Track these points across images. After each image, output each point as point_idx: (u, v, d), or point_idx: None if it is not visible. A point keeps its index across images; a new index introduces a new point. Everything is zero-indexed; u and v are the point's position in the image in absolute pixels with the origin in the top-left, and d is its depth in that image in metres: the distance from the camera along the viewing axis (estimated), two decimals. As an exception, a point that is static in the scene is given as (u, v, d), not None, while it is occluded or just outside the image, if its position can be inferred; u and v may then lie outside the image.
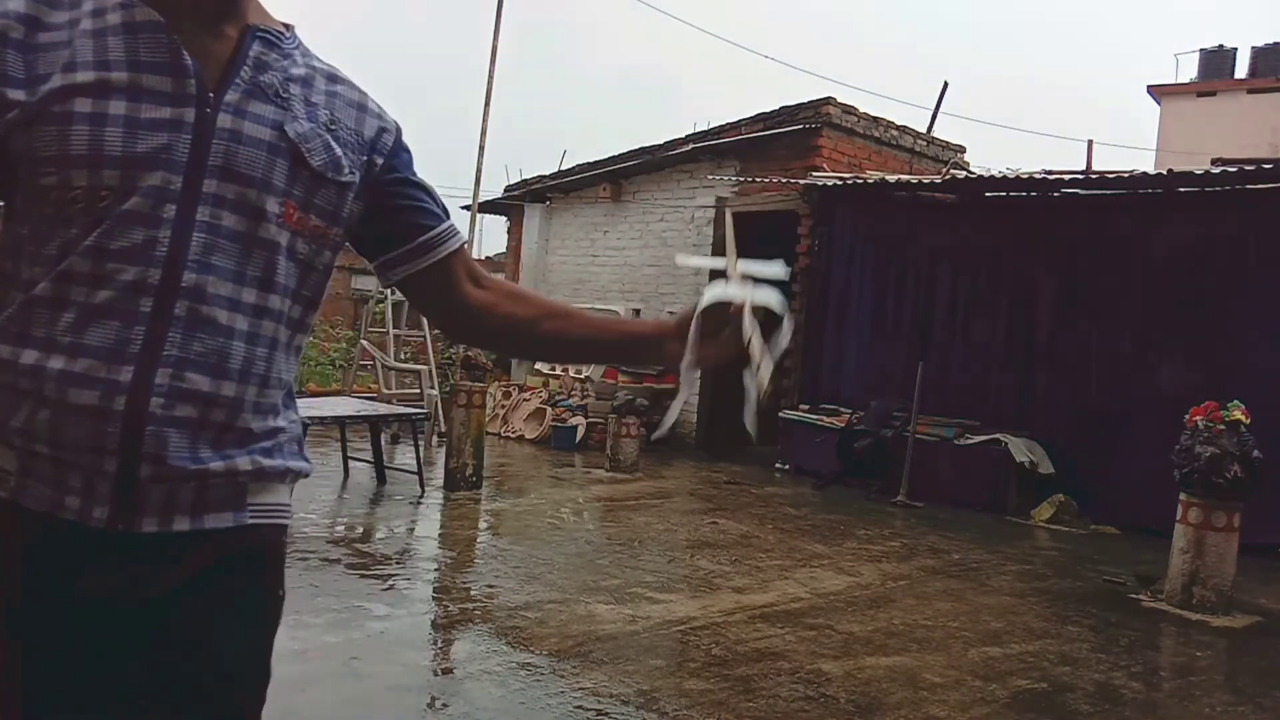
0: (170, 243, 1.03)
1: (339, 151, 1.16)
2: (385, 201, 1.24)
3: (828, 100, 9.89)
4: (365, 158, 1.20)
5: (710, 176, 10.60)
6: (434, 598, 4.59)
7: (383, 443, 7.82)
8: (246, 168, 1.07)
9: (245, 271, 1.08)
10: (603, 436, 9.37)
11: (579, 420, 10.13)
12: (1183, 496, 5.32)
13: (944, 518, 7.44)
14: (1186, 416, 5.46)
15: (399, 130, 1.27)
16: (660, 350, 1.28)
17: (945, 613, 4.82)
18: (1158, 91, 24.79)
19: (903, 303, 9.14)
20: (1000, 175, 8.89)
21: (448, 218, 1.28)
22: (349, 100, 1.21)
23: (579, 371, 10.93)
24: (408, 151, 1.28)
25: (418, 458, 7.16)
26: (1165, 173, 7.66)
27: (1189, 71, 25.45)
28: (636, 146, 11.42)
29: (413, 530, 6.13)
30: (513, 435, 10.41)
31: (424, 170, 1.33)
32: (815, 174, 9.61)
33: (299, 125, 1.12)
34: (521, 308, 1.33)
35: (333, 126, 1.16)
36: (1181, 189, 7.64)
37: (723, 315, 1.20)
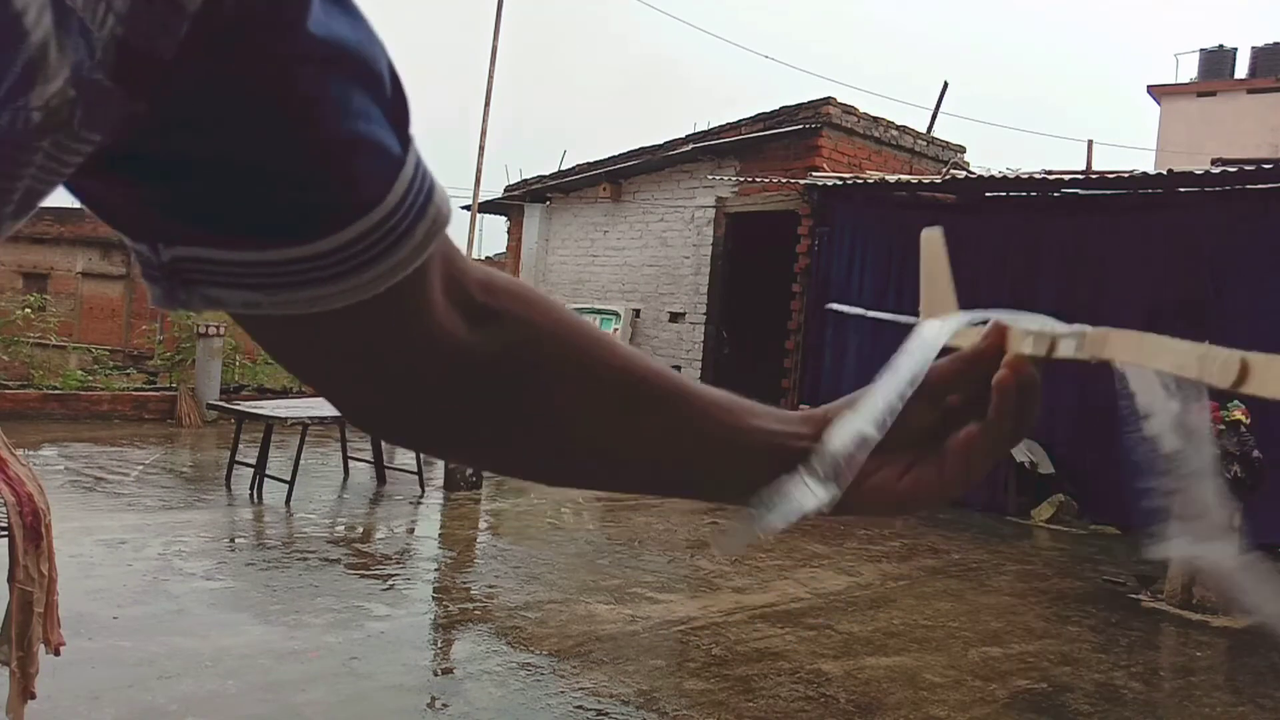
0: None
1: (35, 27, 0.28)
2: (227, 113, 0.36)
3: (828, 100, 9.89)
4: None
5: (710, 176, 10.60)
6: (434, 598, 4.59)
7: (383, 443, 7.82)
8: None
9: None
10: (603, 436, 9.37)
11: (579, 420, 10.13)
12: (1183, 496, 5.32)
13: (944, 518, 7.44)
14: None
15: None
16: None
17: (945, 613, 4.82)
18: (1158, 91, 24.80)
19: (902, 303, 9.08)
20: (1000, 175, 8.89)
21: (405, 146, 0.40)
22: None
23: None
24: None
25: (418, 458, 7.16)
26: (1165, 173, 7.67)
27: (1189, 71, 25.49)
28: (636, 146, 11.43)
29: (413, 530, 6.13)
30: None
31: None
32: (815, 174, 9.61)
33: None
34: (589, 380, 0.51)
35: None
36: (1181, 189, 7.64)
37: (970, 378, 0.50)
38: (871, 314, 0.65)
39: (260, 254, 0.39)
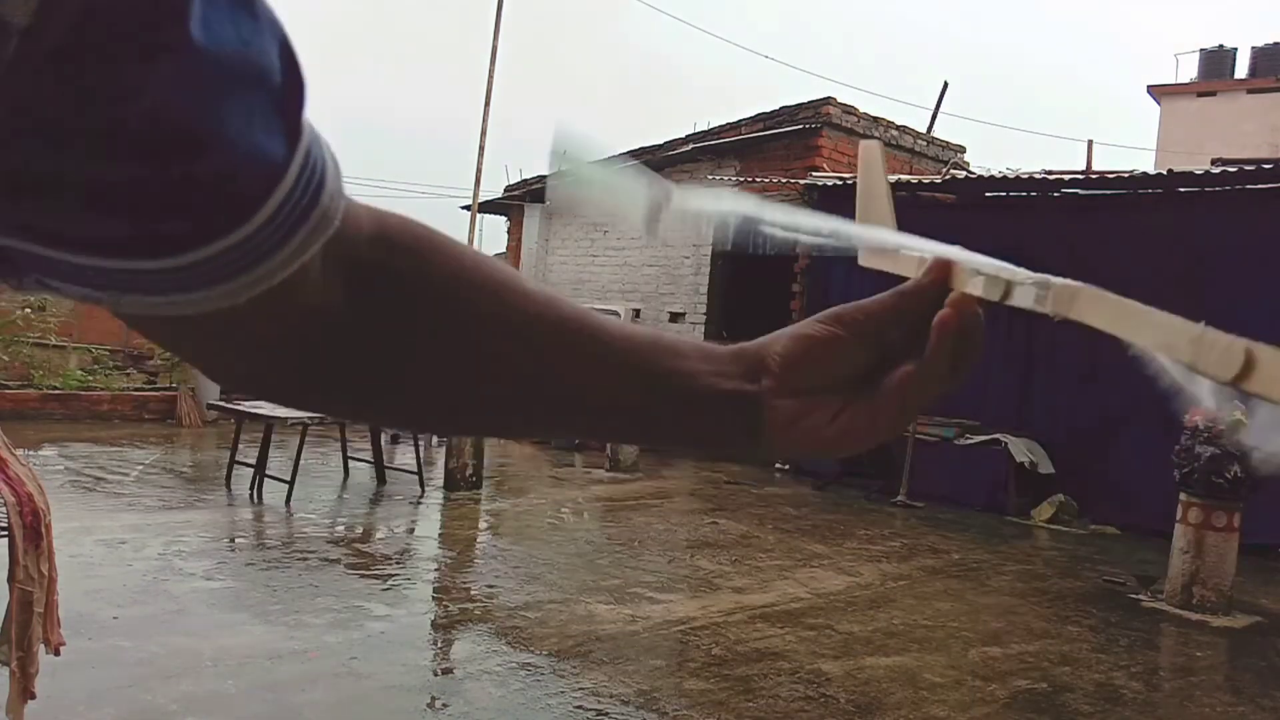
0: None
1: None
2: (71, 134, 0.31)
3: (828, 100, 9.89)
4: None
5: (710, 176, 10.60)
6: (434, 598, 4.59)
7: (383, 443, 7.82)
8: None
9: None
10: (603, 436, 9.37)
11: (579, 420, 10.13)
12: (1183, 496, 5.32)
13: (944, 518, 7.44)
14: (1186, 416, 5.45)
15: None
16: (752, 416, 0.48)
17: (945, 613, 4.82)
18: (1158, 91, 24.80)
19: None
20: (1000, 175, 8.89)
21: (294, 141, 0.35)
22: None
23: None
24: None
25: (418, 458, 7.16)
26: (1165, 173, 7.67)
27: (1189, 71, 25.49)
28: (636, 146, 11.43)
29: (413, 530, 6.13)
30: (513, 435, 10.41)
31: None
32: (815, 174, 9.62)
33: None
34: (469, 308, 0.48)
35: None
36: (1181, 189, 7.64)
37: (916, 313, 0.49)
38: (811, 238, 0.57)
39: (102, 262, 0.34)
